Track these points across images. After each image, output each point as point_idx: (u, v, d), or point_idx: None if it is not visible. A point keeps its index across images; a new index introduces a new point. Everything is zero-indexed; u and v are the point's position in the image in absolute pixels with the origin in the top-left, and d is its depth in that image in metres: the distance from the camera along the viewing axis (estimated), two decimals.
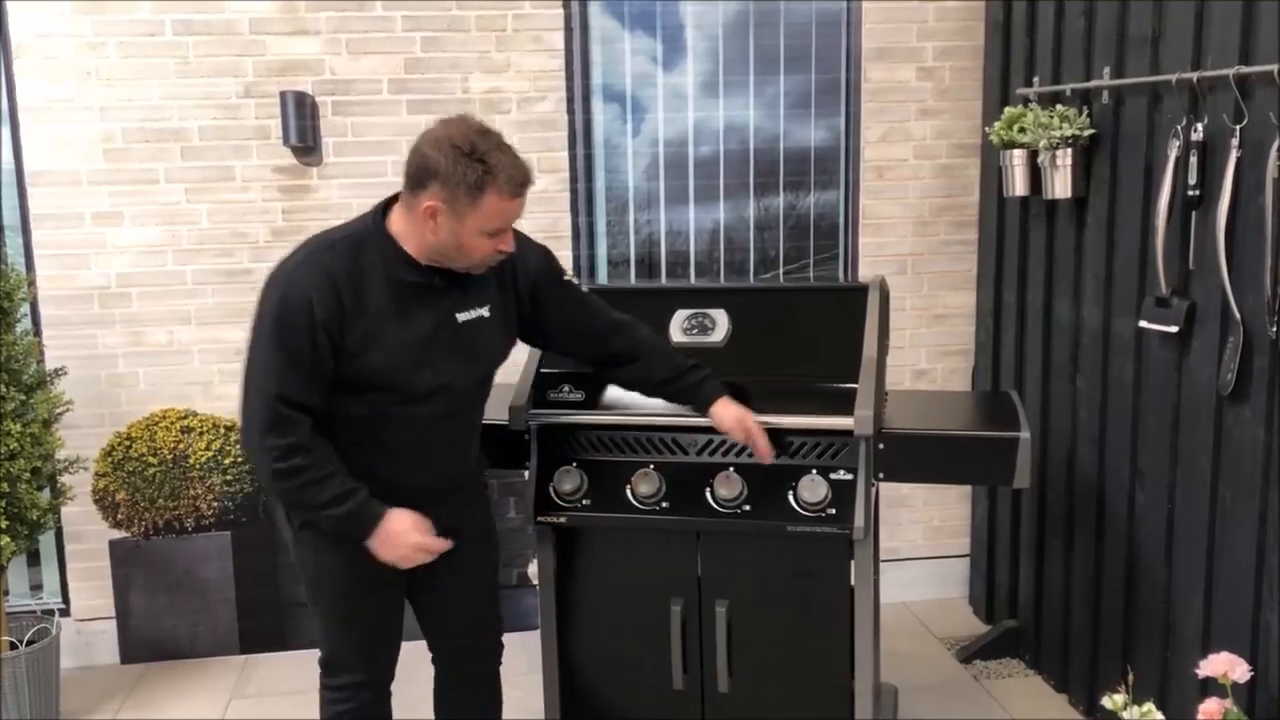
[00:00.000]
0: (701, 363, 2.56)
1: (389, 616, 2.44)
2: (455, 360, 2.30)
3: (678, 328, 2.70)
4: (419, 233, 2.20)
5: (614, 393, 2.63)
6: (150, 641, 3.87)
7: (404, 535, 2.25)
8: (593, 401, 2.63)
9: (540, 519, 2.61)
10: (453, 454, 2.41)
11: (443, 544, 2.30)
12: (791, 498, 2.49)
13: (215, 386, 3.83)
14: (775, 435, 2.51)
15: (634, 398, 2.61)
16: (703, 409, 2.52)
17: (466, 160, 2.10)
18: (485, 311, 2.35)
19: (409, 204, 2.21)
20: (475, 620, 2.57)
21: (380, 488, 2.25)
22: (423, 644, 2.58)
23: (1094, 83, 3.14)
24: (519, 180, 2.16)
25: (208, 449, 3.78)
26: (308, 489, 2.18)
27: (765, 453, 2.49)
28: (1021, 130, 3.29)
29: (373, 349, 2.19)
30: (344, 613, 2.38)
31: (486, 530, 2.56)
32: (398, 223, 2.24)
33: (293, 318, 2.14)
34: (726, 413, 2.50)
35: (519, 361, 2.65)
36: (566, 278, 2.52)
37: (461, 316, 2.31)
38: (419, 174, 2.16)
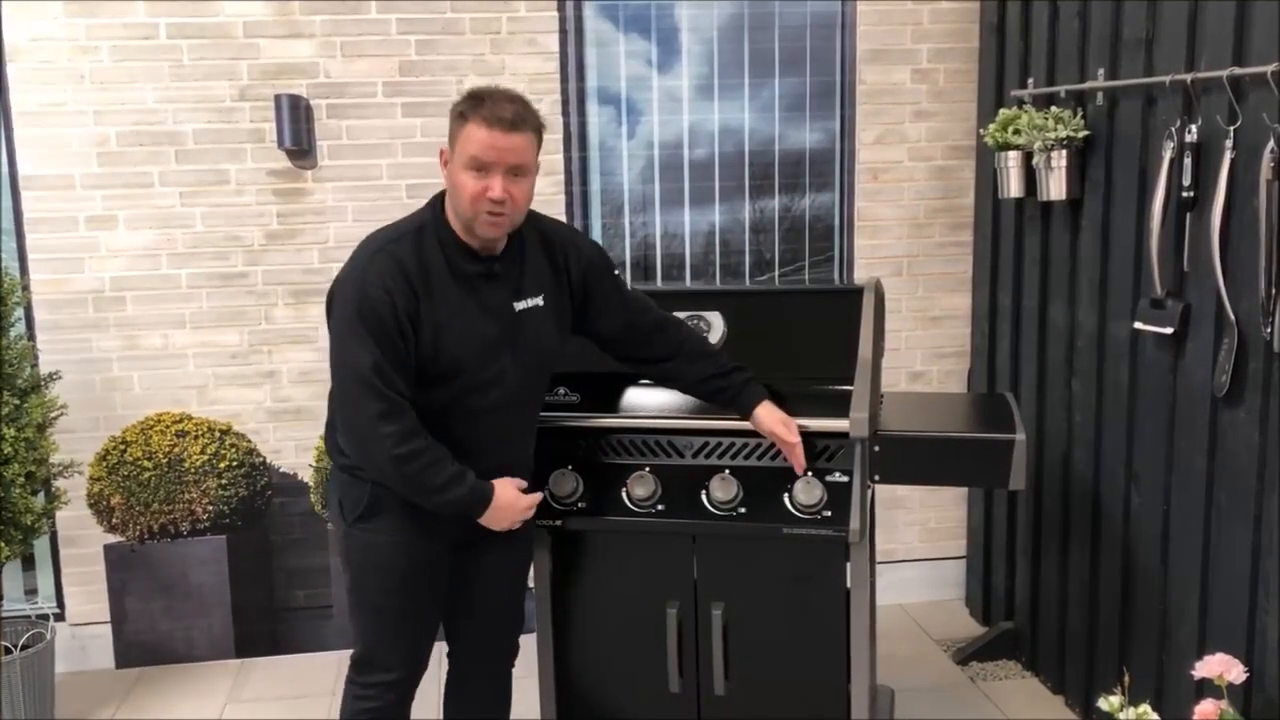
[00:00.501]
0: (744, 365, 2.55)
1: (430, 617, 2.47)
2: (513, 351, 2.35)
3: None
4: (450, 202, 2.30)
5: (610, 395, 2.63)
6: (145, 646, 3.86)
7: (514, 503, 2.36)
8: (589, 404, 2.62)
9: (536, 522, 2.61)
10: (513, 450, 2.45)
11: (538, 496, 2.47)
12: (787, 500, 2.49)
13: (210, 390, 3.83)
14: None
15: (631, 399, 2.61)
16: (745, 412, 2.51)
17: (463, 99, 2.26)
18: (540, 300, 2.40)
19: None
20: (503, 620, 2.61)
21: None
22: None
23: (1088, 84, 3.14)
24: (500, 114, 2.20)
25: (203, 453, 3.77)
26: (429, 471, 2.23)
27: (800, 464, 2.50)
28: (1016, 132, 3.29)
29: (442, 339, 2.25)
30: (389, 609, 2.40)
31: (529, 531, 2.57)
32: (448, 205, 2.32)
33: (379, 309, 2.18)
34: (770, 416, 2.49)
35: None
36: (616, 272, 2.57)
37: (518, 306, 2.37)
38: None
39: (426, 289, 2.24)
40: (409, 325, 2.21)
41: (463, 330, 2.28)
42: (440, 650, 2.58)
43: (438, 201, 2.34)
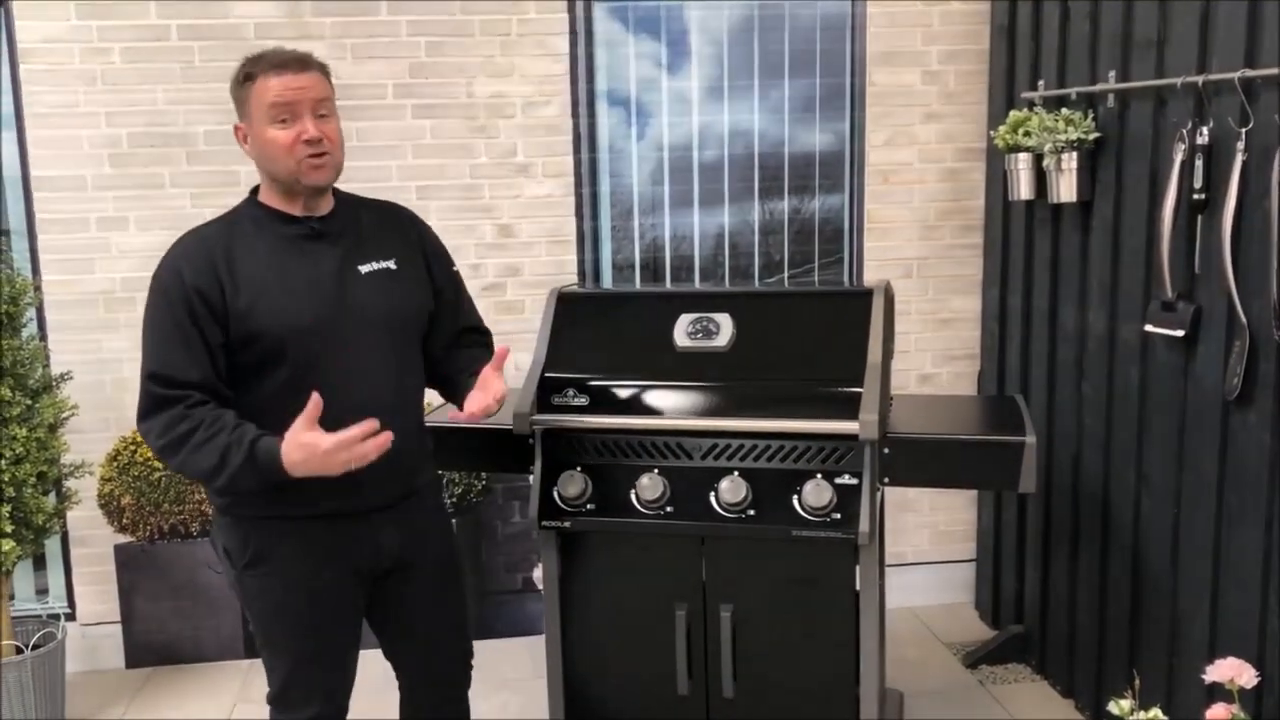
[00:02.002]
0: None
1: (342, 650, 2.30)
2: (362, 316, 2.19)
3: (682, 332, 2.70)
4: (259, 170, 2.21)
5: (618, 397, 2.63)
6: (155, 646, 3.87)
7: (311, 448, 2.00)
8: (597, 406, 2.62)
9: (544, 523, 2.61)
10: (390, 429, 2.08)
11: (365, 428, 2.02)
12: (796, 502, 2.49)
13: None
14: (780, 439, 2.51)
15: (640, 401, 2.61)
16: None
17: (239, 69, 2.18)
18: (392, 264, 2.26)
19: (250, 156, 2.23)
20: (446, 643, 2.45)
21: (316, 486, 2.05)
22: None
23: (1099, 86, 3.13)
24: (284, 59, 2.14)
25: None
26: (199, 453, 2.03)
27: (480, 408, 2.21)
28: (1026, 134, 3.29)
29: (261, 300, 2.10)
30: (297, 650, 2.25)
31: (445, 558, 2.41)
32: (262, 191, 2.25)
33: (166, 290, 2.09)
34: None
35: (523, 365, 2.64)
36: (455, 269, 2.46)
37: (364, 268, 2.22)
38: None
39: (234, 259, 2.12)
40: (202, 302, 2.07)
41: (286, 287, 2.13)
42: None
43: (251, 191, 2.26)
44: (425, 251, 2.37)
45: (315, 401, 2.01)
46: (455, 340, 2.44)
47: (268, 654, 2.29)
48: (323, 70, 2.19)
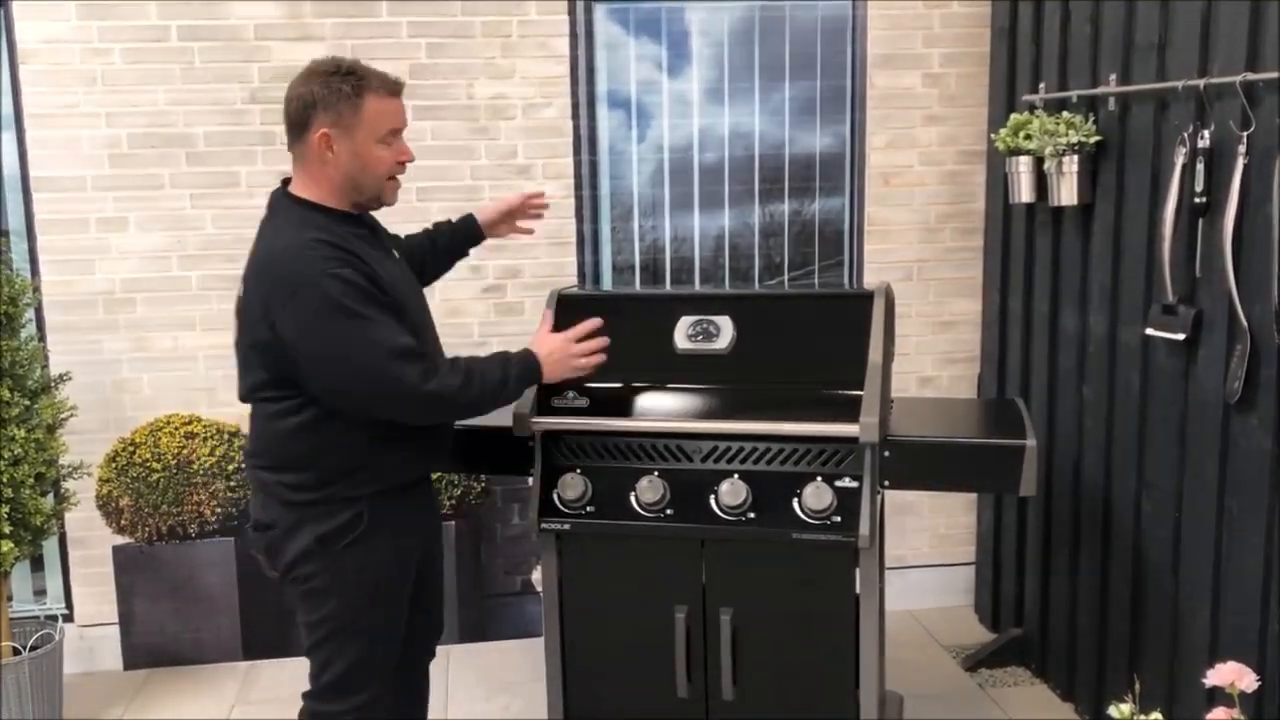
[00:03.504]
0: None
1: (404, 620, 2.47)
2: (420, 296, 2.46)
3: (682, 334, 2.69)
4: (324, 176, 2.25)
5: (618, 399, 2.63)
6: (153, 647, 3.87)
7: (565, 347, 2.42)
8: (597, 408, 2.62)
9: (544, 526, 2.61)
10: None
11: (592, 324, 2.47)
12: (796, 505, 2.48)
13: (220, 392, 3.83)
14: (781, 442, 2.51)
15: (639, 404, 2.60)
16: (472, 229, 2.73)
17: (338, 78, 2.21)
18: (395, 254, 2.47)
19: (302, 155, 2.26)
20: (438, 614, 2.67)
21: (415, 451, 2.35)
22: None
23: (1100, 89, 3.13)
24: (390, 80, 2.28)
25: (211, 455, 3.77)
26: (487, 377, 2.28)
27: (539, 203, 2.74)
28: (1027, 137, 3.29)
29: (397, 290, 2.28)
30: (375, 626, 2.37)
31: (439, 532, 2.65)
32: (306, 190, 2.28)
33: (357, 285, 2.16)
34: (485, 210, 2.71)
35: None
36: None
37: (398, 256, 2.46)
38: (300, 114, 2.23)
39: (363, 257, 2.24)
40: (380, 286, 2.23)
41: (396, 279, 2.32)
42: None
43: (301, 204, 2.27)
44: (397, 243, 2.58)
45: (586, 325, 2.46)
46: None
47: (338, 640, 2.35)
48: None
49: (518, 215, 2.78)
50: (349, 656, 2.36)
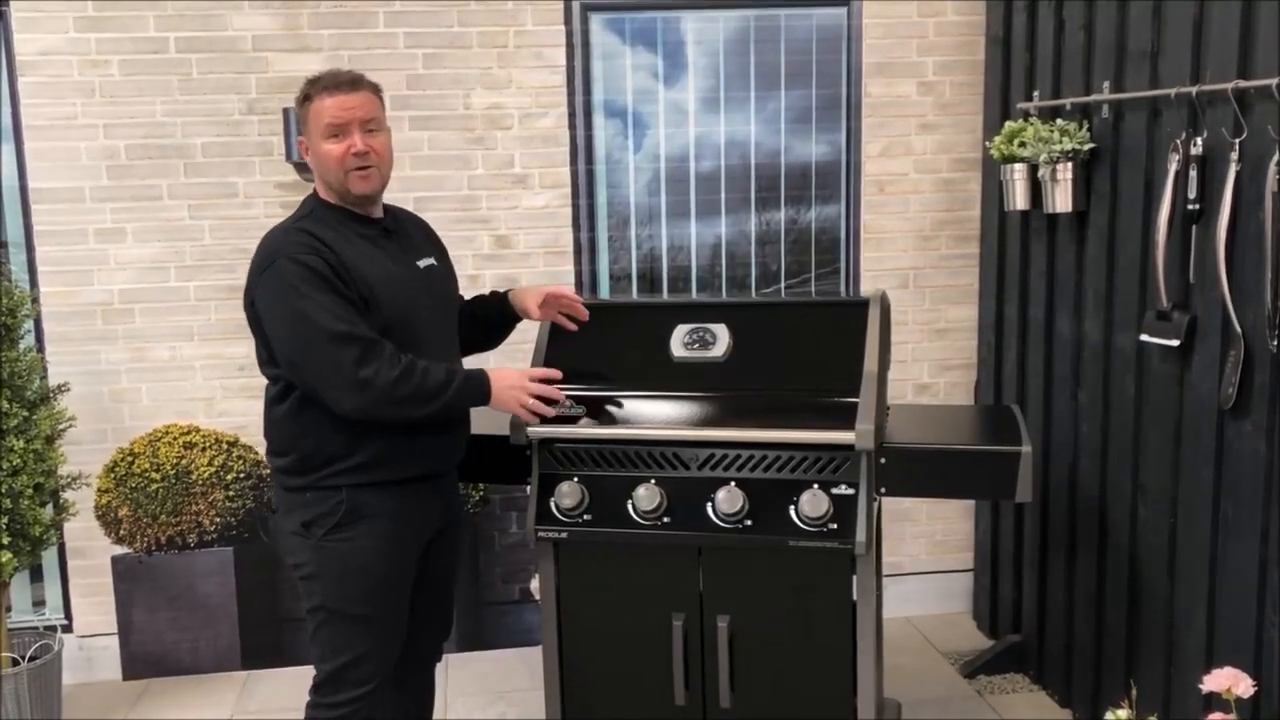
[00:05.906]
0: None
1: (403, 624, 2.50)
2: (430, 300, 2.49)
3: (679, 342, 2.71)
4: (316, 178, 2.43)
5: (615, 407, 2.64)
6: (152, 657, 3.87)
7: (520, 382, 2.44)
8: (594, 416, 2.63)
9: (541, 534, 2.61)
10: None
11: (552, 373, 2.54)
12: (793, 512, 2.49)
13: (218, 402, 3.84)
14: (777, 449, 2.52)
15: (636, 412, 2.61)
16: (509, 309, 2.72)
17: (303, 89, 2.40)
18: (434, 261, 2.56)
19: None
20: (444, 615, 2.70)
21: (417, 448, 2.39)
22: None
23: (1094, 97, 3.15)
24: (339, 80, 2.37)
25: (210, 464, 3.78)
26: (429, 377, 2.30)
27: (581, 309, 2.71)
28: (1022, 144, 3.30)
29: (375, 288, 2.33)
30: (370, 616, 2.41)
31: (461, 533, 2.71)
32: (318, 190, 2.45)
33: (315, 267, 2.26)
34: (526, 296, 2.69)
35: None
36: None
37: (421, 263, 2.51)
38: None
39: (342, 250, 2.32)
40: (344, 277, 2.29)
41: (386, 277, 2.37)
42: None
43: (311, 198, 2.46)
44: (444, 251, 2.66)
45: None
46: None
47: (334, 628, 2.41)
48: (373, 90, 2.42)
49: (554, 306, 2.73)
50: (345, 649, 2.40)
